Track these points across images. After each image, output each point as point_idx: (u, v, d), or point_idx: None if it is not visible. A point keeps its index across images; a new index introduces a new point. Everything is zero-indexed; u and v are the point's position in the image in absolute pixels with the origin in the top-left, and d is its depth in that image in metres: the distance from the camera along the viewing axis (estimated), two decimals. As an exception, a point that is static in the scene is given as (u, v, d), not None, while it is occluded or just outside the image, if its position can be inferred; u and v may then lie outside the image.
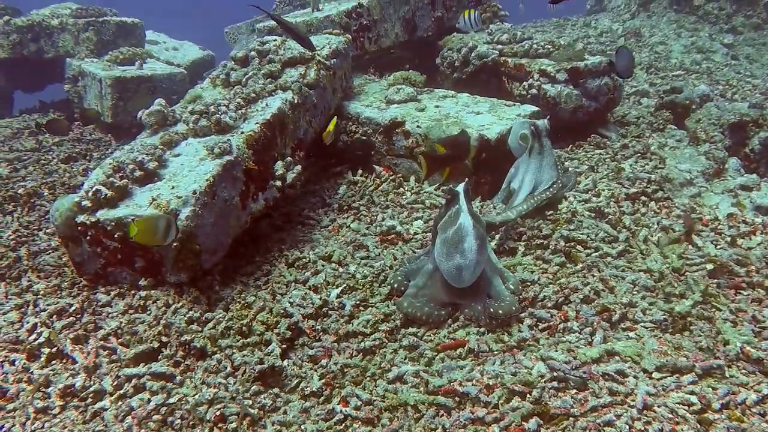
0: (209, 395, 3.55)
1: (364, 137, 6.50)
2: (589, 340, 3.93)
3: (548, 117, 5.81)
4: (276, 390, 3.70)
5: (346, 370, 3.82)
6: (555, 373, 3.61)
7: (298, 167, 5.37)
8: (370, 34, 7.76)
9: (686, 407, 3.32)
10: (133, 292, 4.49)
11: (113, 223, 4.30)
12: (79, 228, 4.40)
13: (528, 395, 3.45)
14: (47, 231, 5.75)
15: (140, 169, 4.56)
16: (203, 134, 5.08)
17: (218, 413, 3.46)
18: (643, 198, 5.45)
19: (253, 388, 3.66)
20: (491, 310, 4.09)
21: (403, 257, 4.90)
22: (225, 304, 4.49)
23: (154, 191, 4.46)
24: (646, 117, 6.99)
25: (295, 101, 5.62)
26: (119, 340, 4.08)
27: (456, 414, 3.39)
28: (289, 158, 5.35)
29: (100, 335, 4.09)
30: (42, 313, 4.34)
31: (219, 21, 12.41)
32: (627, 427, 3.18)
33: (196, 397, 3.58)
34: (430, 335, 4.15)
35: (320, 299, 4.39)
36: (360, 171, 6.52)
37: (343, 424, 3.44)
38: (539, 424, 3.25)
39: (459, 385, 3.56)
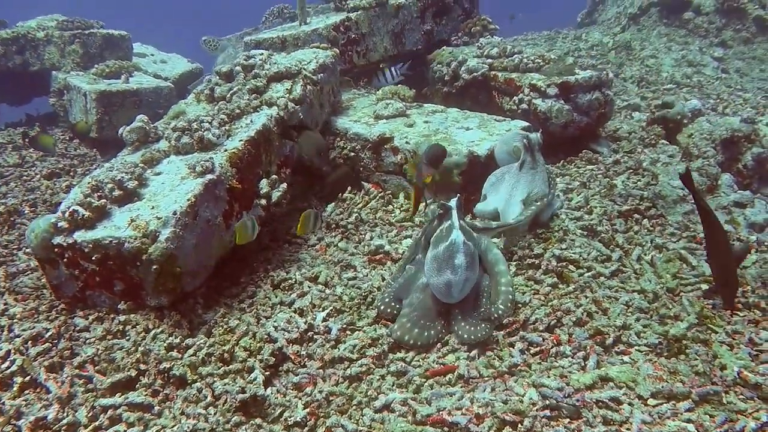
0: (188, 427, 3.41)
1: (352, 153, 6.38)
2: (583, 364, 3.81)
3: (540, 131, 5.72)
4: (258, 420, 3.56)
5: (331, 398, 3.68)
6: (547, 401, 3.48)
7: (284, 185, 5.24)
8: (358, 47, 7.66)
9: (684, 437, 3.21)
10: (112, 316, 4.35)
11: (91, 245, 4.15)
12: (56, 250, 4.26)
13: (519, 425, 3.32)
14: (27, 251, 5.59)
15: (119, 189, 4.42)
16: (185, 152, 4.96)
17: (197, 446, 3.32)
18: (636, 215, 5.35)
19: (234, 418, 3.50)
20: (460, 333, 4.07)
21: (389, 278, 4.78)
22: (207, 329, 4.34)
23: (134, 211, 4.32)
24: (638, 132, 6.92)
25: (281, 117, 5.50)
26: (96, 368, 3.93)
27: (445, 446, 3.26)
28: (274, 176, 5.23)
29: (76, 362, 3.94)
30: (16, 339, 4.18)
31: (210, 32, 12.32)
32: (622, 459, 3.06)
33: (175, 428, 3.43)
34: (418, 360, 4.02)
35: (306, 323, 4.25)
36: (348, 188, 6.42)
37: (328, 457, 3.31)
38: (531, 456, 3.13)
39: (448, 414, 3.43)
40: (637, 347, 3.94)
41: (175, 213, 4.22)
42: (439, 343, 4.09)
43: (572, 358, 3.87)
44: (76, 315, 4.42)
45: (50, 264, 4.37)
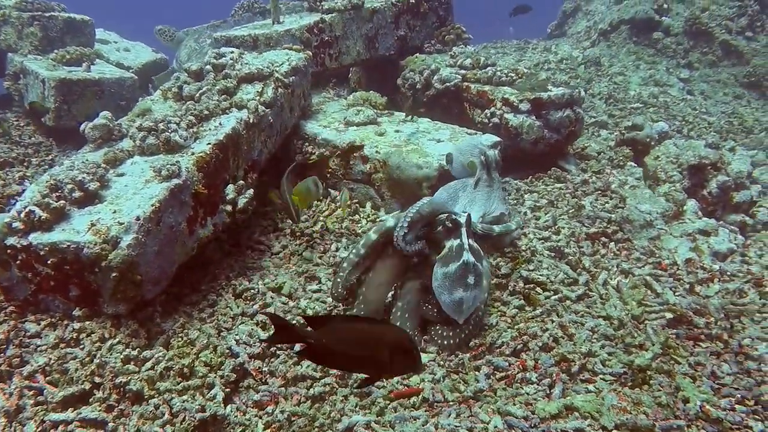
0: (143, 446, 3.28)
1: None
2: (548, 392, 3.80)
3: (499, 149, 5.69)
4: (217, 441, 3.45)
5: (293, 419, 3.59)
6: (513, 431, 3.46)
7: (250, 191, 5.11)
8: (331, 50, 7.54)
9: (647, 474, 3.21)
10: (66, 322, 4.16)
11: (47, 248, 3.96)
12: (9, 251, 4.05)
13: (484, 455, 3.29)
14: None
15: (80, 190, 4.23)
16: (151, 153, 4.78)
17: (152, 469, 3.19)
18: (603, 238, 5.38)
19: (192, 438, 3.39)
20: (436, 338, 4.27)
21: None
22: (166, 339, 4.20)
23: (94, 215, 4.14)
24: (607, 152, 6.97)
25: (251, 121, 5.36)
26: (47, 378, 3.76)
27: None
28: (241, 182, 5.09)
29: (26, 372, 3.76)
30: (-39, 344, 3.97)
31: (177, 22, 12.02)
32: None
33: (129, 448, 3.30)
34: (383, 380, 3.96)
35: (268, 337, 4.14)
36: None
37: (288, 484, 3.22)
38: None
39: (412, 441, 3.38)
40: (602, 376, 3.95)
41: (138, 218, 4.06)
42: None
43: (538, 384, 3.86)
44: (27, 320, 4.21)
45: (1, 265, 4.16)
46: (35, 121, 8.37)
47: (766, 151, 7.54)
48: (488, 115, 6.87)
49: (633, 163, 6.65)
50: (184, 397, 3.63)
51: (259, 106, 5.50)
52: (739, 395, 3.77)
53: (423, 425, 3.54)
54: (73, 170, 4.37)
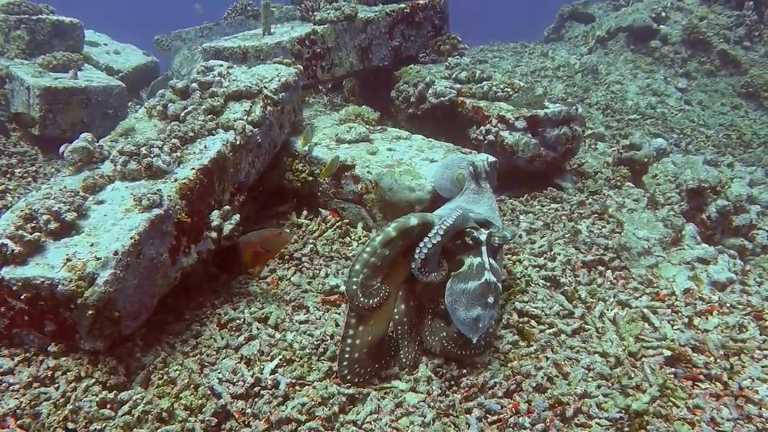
0: (117, 502, 3.12)
1: (311, 177, 6.11)
2: (541, 438, 3.67)
3: (487, 159, 5.51)
4: (195, 494, 3.30)
5: (276, 468, 3.45)
6: (504, 485, 3.32)
7: (236, 217, 4.94)
8: (323, 62, 7.36)
9: None
10: (41, 358, 3.98)
11: (20, 284, 3.79)
12: (-19, 285, 3.88)
13: None
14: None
15: (56, 221, 4.06)
16: (132, 178, 4.61)
17: None
18: (600, 267, 5.24)
19: (168, 493, 3.24)
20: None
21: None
22: (146, 375, 4.04)
23: (71, 247, 3.97)
24: (604, 172, 6.82)
25: (238, 142, 5.20)
26: (18, 422, 3.59)
27: None
28: (227, 207, 4.92)
29: (-4, 416, 3.59)
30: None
31: (171, 25, 11.83)
32: None
33: (102, 503, 3.14)
34: (370, 421, 3.81)
35: (253, 376, 3.99)
36: (305, 212, 6.16)
37: None
38: None
39: (400, 497, 3.24)
40: (597, 420, 3.81)
41: (116, 253, 3.89)
42: (392, 404, 3.90)
43: (531, 430, 3.72)
44: (0, 354, 4.05)
45: (-26, 299, 3.99)
46: (21, 127, 8.18)
47: (765, 168, 7.42)
48: (483, 132, 6.72)
49: (630, 184, 6.51)
50: (162, 445, 3.47)
51: (247, 126, 5.33)
52: (739, 444, 3.64)
53: (411, 476, 3.40)
54: (49, 199, 4.20)
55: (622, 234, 5.44)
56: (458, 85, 7.30)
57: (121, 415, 3.60)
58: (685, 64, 10.90)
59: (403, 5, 8.43)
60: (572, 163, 7.25)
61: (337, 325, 4.59)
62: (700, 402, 3.95)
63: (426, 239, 4.02)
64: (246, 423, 3.76)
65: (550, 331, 4.52)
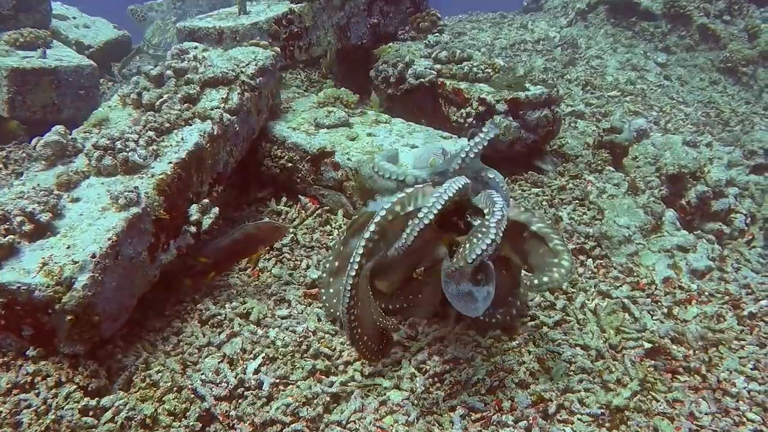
0: None
1: (290, 164, 6.02)
2: (524, 436, 3.71)
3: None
4: (181, 502, 3.30)
5: (261, 473, 3.46)
6: (489, 486, 3.37)
7: (215, 210, 4.86)
8: (300, 42, 7.20)
9: None
10: (19, 362, 3.92)
11: (-5, 289, 3.71)
12: (-47, 290, 3.79)
13: None
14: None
15: (30, 222, 3.96)
16: (108, 174, 4.50)
17: None
18: (581, 256, 5.26)
19: (154, 503, 3.23)
20: None
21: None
22: (128, 376, 4.00)
23: (46, 250, 3.88)
24: (585, 156, 6.80)
25: (215, 132, 5.09)
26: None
27: None
28: (205, 200, 4.84)
29: (-25, 427, 3.54)
30: None
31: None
32: None
33: None
34: (354, 420, 3.83)
35: (236, 377, 3.97)
36: (284, 199, 6.09)
37: None
38: None
39: (385, 501, 3.27)
40: (579, 416, 3.87)
41: (93, 256, 3.81)
42: (376, 402, 3.91)
43: (514, 428, 3.76)
44: (-23, 360, 3.98)
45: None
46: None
47: (743, 148, 7.47)
48: (464, 115, 6.65)
49: (611, 168, 6.51)
50: (146, 453, 3.46)
51: (224, 115, 5.22)
52: (717, 438, 3.72)
53: (396, 478, 3.43)
54: (23, 198, 4.08)
55: (603, 221, 5.46)
56: (438, 66, 7.19)
57: (104, 423, 3.56)
58: (665, 39, 10.85)
59: (381, -20, 8.26)
60: (552, 144, 7.23)
61: (319, 320, 4.58)
62: (679, 395, 4.02)
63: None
64: (231, 426, 3.75)
65: (532, 323, 4.55)
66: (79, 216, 4.15)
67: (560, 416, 3.87)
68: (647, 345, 4.37)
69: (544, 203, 5.95)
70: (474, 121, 6.55)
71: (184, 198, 4.74)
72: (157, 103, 5.17)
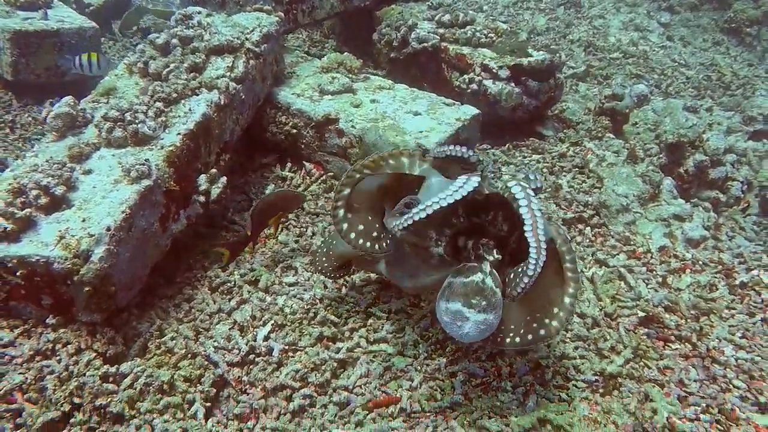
0: (126, 474, 3.32)
1: (294, 130, 6.10)
2: (522, 400, 3.90)
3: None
4: (199, 463, 3.51)
5: (273, 436, 3.66)
6: (488, 448, 3.58)
7: (223, 179, 4.98)
8: (303, 5, 7.19)
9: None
10: (40, 330, 4.09)
11: (15, 261, 3.85)
12: (-27, 262, 3.93)
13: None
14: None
15: (46, 195, 4.07)
16: (118, 145, 4.60)
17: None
18: (580, 225, 5.39)
19: (174, 463, 3.44)
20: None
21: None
22: (143, 343, 4.18)
23: (63, 223, 4.01)
24: (585, 123, 6.87)
25: (222, 102, 5.16)
26: (25, 396, 3.73)
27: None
28: (213, 170, 4.95)
29: (2, 392, 3.72)
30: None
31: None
32: None
33: (112, 476, 3.34)
34: (360, 385, 4.03)
35: (247, 344, 4.16)
36: (289, 165, 6.19)
37: None
38: None
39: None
40: (574, 382, 4.06)
41: (108, 228, 3.94)
42: (381, 368, 4.10)
43: (512, 393, 3.95)
44: (-1, 326, 4.14)
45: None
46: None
47: (743, 114, 7.53)
48: (467, 80, 6.70)
49: (611, 135, 6.59)
50: (165, 417, 3.65)
51: (231, 84, 5.28)
52: (704, 404, 3.92)
53: (401, 440, 3.64)
54: (37, 172, 4.19)
55: (602, 190, 5.58)
56: (441, 30, 7.20)
57: (124, 389, 3.75)
58: (669, -3, 10.79)
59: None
60: (554, 109, 7.29)
61: (325, 287, 4.74)
62: (670, 363, 4.21)
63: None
64: (243, 390, 3.95)
65: (531, 291, 4.70)
66: (92, 189, 4.26)
67: (556, 382, 4.06)
68: (641, 314, 4.54)
69: (545, 170, 6.06)
70: (476, 87, 6.60)
71: (193, 168, 4.85)
72: (164, 73, 5.22)
